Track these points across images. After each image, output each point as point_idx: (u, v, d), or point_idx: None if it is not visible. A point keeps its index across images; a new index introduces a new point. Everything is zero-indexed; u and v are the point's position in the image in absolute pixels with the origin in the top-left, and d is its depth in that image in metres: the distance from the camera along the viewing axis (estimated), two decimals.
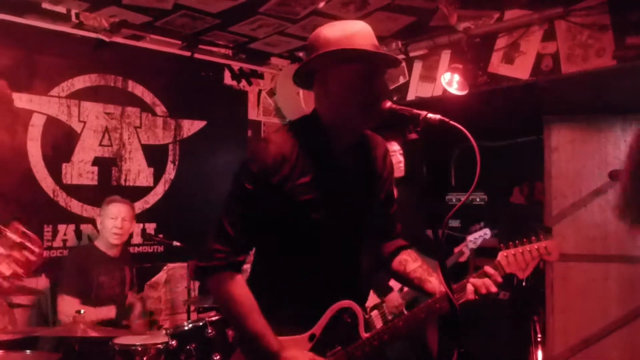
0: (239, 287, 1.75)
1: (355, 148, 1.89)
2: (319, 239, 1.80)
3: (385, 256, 2.02)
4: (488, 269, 1.83)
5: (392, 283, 3.57)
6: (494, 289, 1.80)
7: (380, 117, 1.75)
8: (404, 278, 1.99)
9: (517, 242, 1.88)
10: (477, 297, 1.80)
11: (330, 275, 1.81)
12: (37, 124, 3.91)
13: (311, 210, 1.76)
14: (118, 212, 3.71)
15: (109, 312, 3.50)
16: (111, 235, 3.68)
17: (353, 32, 1.76)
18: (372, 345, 1.78)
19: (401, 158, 3.79)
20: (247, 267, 1.86)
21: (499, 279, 1.82)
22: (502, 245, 1.89)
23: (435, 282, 1.87)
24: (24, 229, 1.46)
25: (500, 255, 1.87)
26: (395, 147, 3.77)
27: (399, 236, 2.06)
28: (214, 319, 3.34)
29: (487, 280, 1.81)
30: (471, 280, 1.81)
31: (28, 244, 1.44)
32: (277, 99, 5.22)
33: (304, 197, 1.75)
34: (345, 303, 1.79)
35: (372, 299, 3.44)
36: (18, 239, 1.41)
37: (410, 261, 1.97)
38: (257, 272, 1.91)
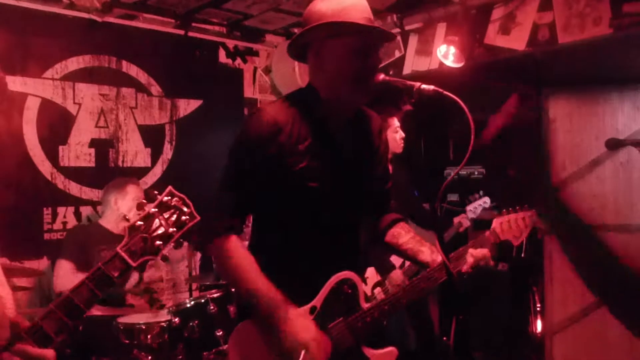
0: (237, 248, 1.79)
1: (350, 122, 1.90)
2: (316, 209, 1.82)
3: (379, 230, 2.04)
4: (489, 235, 1.88)
5: (394, 260, 3.59)
6: (491, 262, 1.85)
7: (373, 91, 1.76)
8: (397, 250, 2.02)
9: (510, 209, 1.89)
10: (471, 269, 1.83)
11: (329, 247, 1.83)
12: (32, 107, 3.89)
13: (307, 179, 1.79)
14: (139, 193, 3.73)
15: None
16: (135, 215, 3.66)
17: (347, 5, 1.76)
18: (373, 316, 1.80)
19: (402, 134, 3.79)
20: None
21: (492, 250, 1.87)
22: (495, 213, 1.91)
23: (427, 252, 1.90)
24: (174, 191, 1.50)
25: (495, 222, 1.89)
26: (396, 123, 3.77)
27: (393, 211, 2.08)
28: (215, 295, 3.37)
29: (486, 252, 1.85)
30: (472, 252, 1.84)
31: (180, 206, 1.48)
32: (273, 76, 5.19)
33: (300, 165, 1.78)
34: (346, 274, 1.80)
35: (375, 276, 3.47)
36: (169, 199, 1.45)
37: (402, 233, 2.00)
38: (255, 247, 1.93)
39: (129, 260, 1.48)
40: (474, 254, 1.83)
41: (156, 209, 1.51)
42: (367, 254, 2.02)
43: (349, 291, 1.80)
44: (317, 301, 1.79)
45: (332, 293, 1.79)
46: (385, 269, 3.58)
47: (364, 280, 1.93)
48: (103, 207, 3.79)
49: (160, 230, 1.50)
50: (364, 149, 1.93)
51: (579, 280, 4.28)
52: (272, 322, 1.70)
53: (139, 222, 1.49)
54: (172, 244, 1.52)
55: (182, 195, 1.55)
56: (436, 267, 1.83)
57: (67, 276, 3.39)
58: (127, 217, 1.52)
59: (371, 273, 3.36)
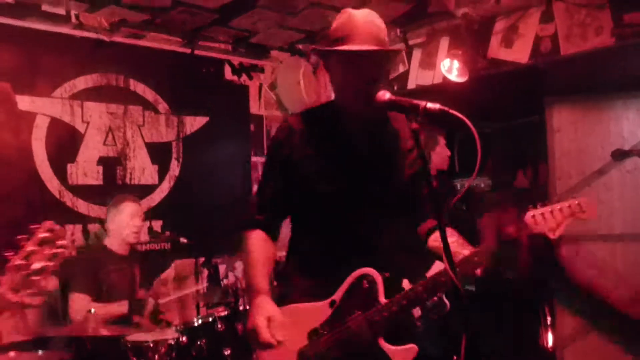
0: (252, 241, 1.98)
1: (375, 126, 1.99)
2: (328, 210, 1.93)
3: (421, 236, 2.07)
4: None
5: None
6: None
7: (371, 99, 1.80)
8: (438, 254, 2.00)
9: (547, 202, 1.79)
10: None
11: (347, 246, 1.91)
12: (41, 125, 3.94)
13: (320, 182, 1.91)
14: (134, 210, 3.73)
15: (120, 307, 3.51)
16: (130, 235, 3.69)
17: (352, 22, 1.87)
18: (391, 310, 1.82)
19: (448, 151, 3.80)
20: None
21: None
22: (529, 206, 1.81)
23: (467, 255, 1.89)
24: (52, 225, 1.60)
25: (527, 216, 1.78)
26: (442, 141, 3.78)
27: (433, 217, 2.07)
28: (223, 314, 3.37)
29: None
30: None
31: (55, 239, 1.58)
32: (278, 92, 5.23)
33: (311, 168, 1.92)
34: (365, 270, 1.86)
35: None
36: (47, 235, 1.56)
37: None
38: (290, 247, 2.09)
39: (10, 297, 1.56)
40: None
41: (36, 247, 1.61)
42: (394, 259, 1.99)
43: (367, 286, 1.85)
44: (337, 295, 1.87)
45: (351, 288, 1.86)
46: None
47: (393, 278, 1.90)
48: (107, 227, 3.78)
49: (38, 265, 1.59)
50: (387, 152, 1.99)
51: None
52: (250, 306, 1.90)
53: (19, 262, 1.58)
54: (49, 276, 1.60)
55: (58, 227, 1.65)
56: (457, 262, 1.79)
57: (84, 309, 3.34)
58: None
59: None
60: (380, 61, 1.88)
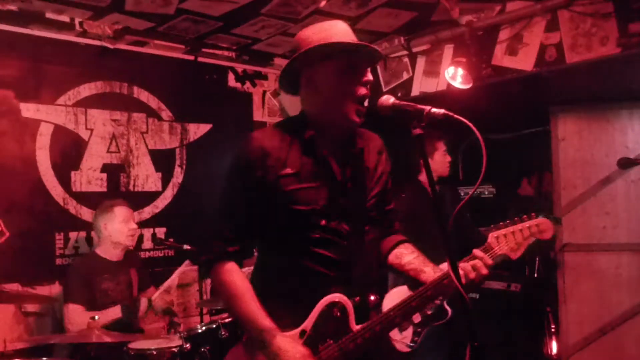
0: (231, 273, 1.83)
1: (345, 144, 1.91)
2: (307, 231, 1.82)
3: (383, 251, 2.03)
4: (477, 252, 1.81)
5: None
6: (484, 270, 1.77)
7: (364, 113, 1.79)
8: (399, 271, 1.99)
9: (507, 221, 1.83)
10: (465, 282, 1.75)
11: (319, 270, 1.82)
12: (45, 133, 3.94)
13: (296, 202, 1.80)
14: (127, 213, 3.71)
15: (114, 312, 3.47)
16: (127, 238, 3.67)
17: (331, 29, 1.83)
18: (364, 337, 1.78)
19: (449, 157, 3.80)
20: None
21: (489, 261, 1.78)
22: (492, 226, 1.85)
23: (430, 272, 1.87)
24: None
25: (490, 237, 1.82)
26: (442, 147, 3.79)
27: (398, 232, 2.07)
28: (226, 320, 3.36)
29: (477, 262, 1.78)
30: (460, 265, 1.77)
31: None
32: (281, 99, 5.24)
33: (289, 188, 1.80)
34: (335, 297, 1.79)
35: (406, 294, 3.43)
36: None
37: (406, 254, 1.98)
38: (257, 269, 1.98)
39: None
40: (462, 267, 1.77)
41: None
42: (371, 276, 1.97)
43: (339, 314, 1.79)
44: (307, 324, 1.78)
45: (321, 316, 1.78)
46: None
47: (362, 302, 1.87)
48: (96, 235, 3.74)
49: None
50: (360, 170, 1.93)
51: (594, 299, 4.23)
52: (261, 347, 1.73)
53: None
54: None
55: None
56: (428, 285, 1.81)
57: (79, 319, 3.37)
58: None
59: (404, 291, 3.34)
60: (370, 66, 1.86)
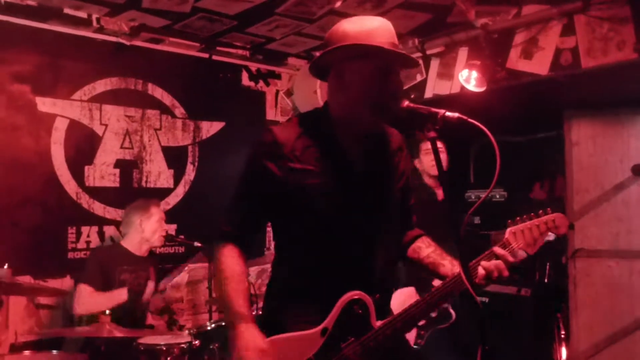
0: (228, 254, 1.84)
1: (367, 139, 1.90)
2: (322, 226, 1.81)
3: (402, 246, 2.03)
4: (497, 249, 1.80)
5: (436, 283, 3.56)
6: (505, 272, 1.76)
7: (391, 116, 1.78)
8: (418, 264, 2.00)
9: (524, 216, 1.83)
10: (487, 283, 1.76)
11: (340, 266, 1.81)
12: (60, 127, 3.98)
13: (310, 195, 1.79)
14: (162, 215, 3.80)
15: (120, 295, 3.47)
16: (159, 239, 3.77)
17: (372, 27, 1.78)
18: (385, 334, 1.78)
19: (445, 155, 3.80)
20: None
21: (510, 258, 1.78)
22: (509, 221, 1.84)
23: (448, 265, 1.88)
24: None
25: (508, 232, 1.82)
26: (439, 145, 3.77)
27: (415, 226, 2.07)
28: None
29: (499, 263, 1.77)
30: (483, 263, 1.77)
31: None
32: (294, 99, 5.24)
33: (304, 182, 1.79)
34: (355, 294, 1.79)
35: (414, 296, 3.44)
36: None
37: (423, 247, 1.99)
38: (274, 263, 1.97)
39: None
40: (485, 266, 1.77)
41: None
42: (388, 273, 1.98)
43: (360, 311, 1.79)
44: (328, 322, 1.78)
45: (343, 314, 1.78)
46: (426, 292, 3.56)
47: (382, 299, 1.88)
48: (125, 229, 3.78)
49: None
50: (380, 166, 1.92)
51: (605, 305, 4.19)
52: (230, 328, 1.76)
53: None
54: None
55: None
56: (448, 281, 1.80)
57: (86, 299, 3.44)
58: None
59: (410, 292, 3.34)
60: (403, 72, 1.86)
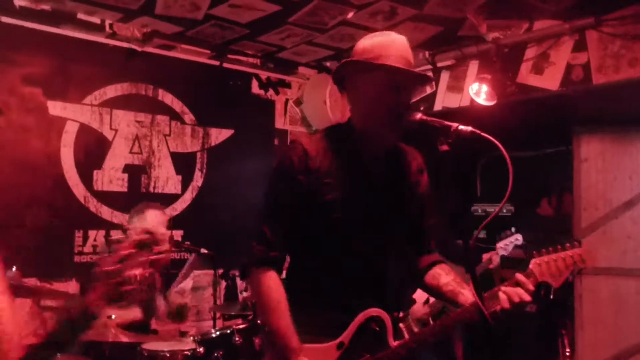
0: (270, 281, 1.81)
1: (388, 157, 1.92)
2: (342, 240, 1.82)
3: (419, 270, 2.02)
4: (520, 276, 1.79)
5: (416, 295, 3.55)
6: (527, 297, 1.75)
7: (402, 129, 1.79)
8: (437, 292, 1.98)
9: (550, 249, 1.82)
10: (509, 306, 1.75)
11: (356, 281, 1.82)
12: (70, 131, 4.00)
13: (334, 211, 1.80)
14: (159, 218, 3.73)
15: (135, 314, 3.50)
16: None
17: (386, 43, 1.82)
18: (400, 354, 1.78)
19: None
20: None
21: (531, 287, 1.77)
22: (534, 252, 1.83)
23: (467, 294, 1.86)
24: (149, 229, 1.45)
25: (533, 263, 1.81)
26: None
27: (434, 251, 2.06)
28: (241, 326, 3.36)
29: (519, 289, 1.76)
30: (503, 288, 1.77)
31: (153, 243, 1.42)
32: (303, 108, 5.25)
33: (328, 196, 1.81)
34: (374, 311, 1.80)
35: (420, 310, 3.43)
36: (144, 237, 1.40)
37: (443, 275, 1.97)
38: (289, 276, 1.96)
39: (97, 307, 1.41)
40: (508, 292, 1.76)
41: (132, 250, 1.44)
42: (402, 291, 1.98)
43: (377, 329, 1.79)
44: (345, 337, 1.78)
45: (360, 330, 1.78)
46: (407, 304, 3.55)
47: (395, 318, 1.89)
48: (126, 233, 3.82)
49: (132, 273, 1.43)
50: (399, 185, 1.93)
51: (611, 324, 4.15)
52: None
53: (111, 267, 1.40)
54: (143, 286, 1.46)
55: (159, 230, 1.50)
56: (467, 307, 1.79)
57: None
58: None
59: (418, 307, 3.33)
60: (415, 87, 1.87)
